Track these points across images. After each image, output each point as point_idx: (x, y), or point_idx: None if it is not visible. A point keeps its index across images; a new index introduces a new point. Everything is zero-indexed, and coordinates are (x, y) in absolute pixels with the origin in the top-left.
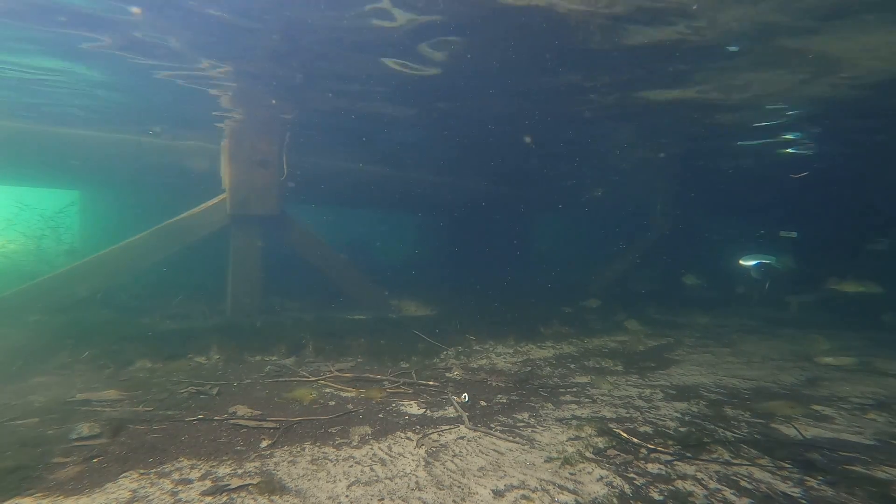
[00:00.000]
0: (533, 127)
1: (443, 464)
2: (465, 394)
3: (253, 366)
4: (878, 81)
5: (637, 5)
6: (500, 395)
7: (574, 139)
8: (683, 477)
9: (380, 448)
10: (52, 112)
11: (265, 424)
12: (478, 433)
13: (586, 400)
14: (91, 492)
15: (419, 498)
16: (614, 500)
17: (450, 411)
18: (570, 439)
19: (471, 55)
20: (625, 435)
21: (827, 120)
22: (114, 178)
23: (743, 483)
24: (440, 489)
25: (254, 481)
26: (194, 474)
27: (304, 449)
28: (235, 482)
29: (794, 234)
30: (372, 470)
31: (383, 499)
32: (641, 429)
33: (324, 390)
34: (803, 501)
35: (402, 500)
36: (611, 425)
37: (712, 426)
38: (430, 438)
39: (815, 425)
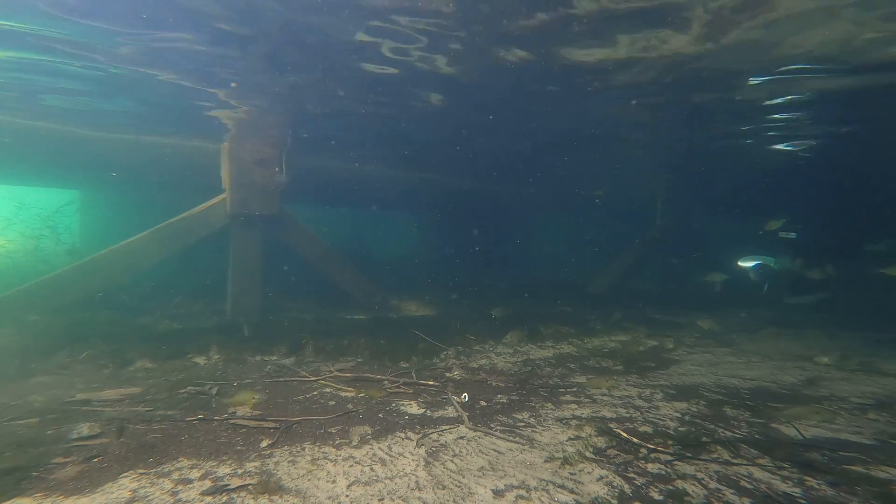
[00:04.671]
0: (533, 121)
1: (443, 464)
2: (465, 394)
3: (253, 366)
4: None
5: None
6: (500, 395)
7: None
8: (683, 477)
9: (380, 448)
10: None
11: (265, 424)
12: (478, 433)
13: (586, 400)
14: (91, 492)
15: (419, 498)
16: (614, 499)
17: (450, 411)
18: (570, 439)
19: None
20: (625, 435)
21: None
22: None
23: (743, 483)
24: (440, 489)
25: (254, 481)
26: (194, 474)
27: (304, 449)
28: (235, 482)
29: (792, 235)
30: (372, 470)
31: (383, 499)
32: (641, 429)
33: (323, 390)
34: (803, 501)
35: (402, 500)
36: (611, 425)
37: (712, 426)
38: (430, 438)
39: (815, 425)
